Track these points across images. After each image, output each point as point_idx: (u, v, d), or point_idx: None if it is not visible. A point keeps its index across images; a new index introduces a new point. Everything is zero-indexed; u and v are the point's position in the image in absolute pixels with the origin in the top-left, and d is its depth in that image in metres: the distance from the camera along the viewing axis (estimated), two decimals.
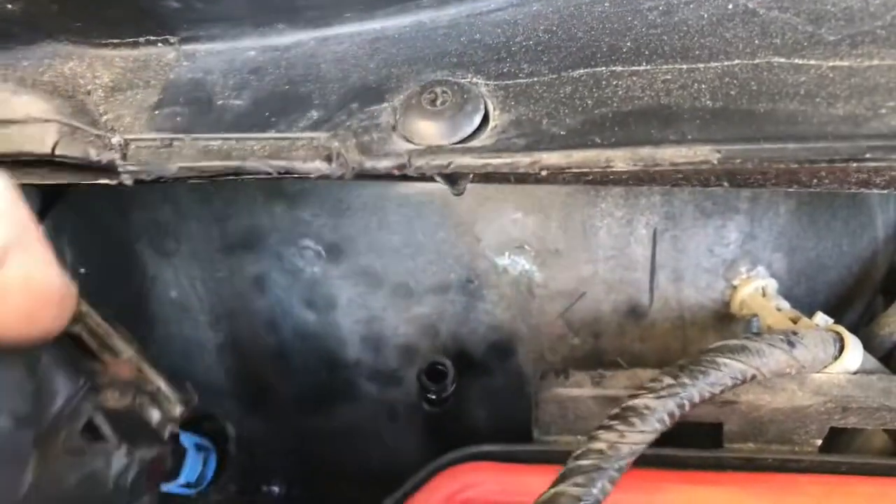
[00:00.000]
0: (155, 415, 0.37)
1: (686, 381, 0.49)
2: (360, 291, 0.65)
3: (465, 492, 0.60)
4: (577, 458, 0.49)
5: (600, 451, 0.48)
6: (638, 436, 0.49)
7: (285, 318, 0.66)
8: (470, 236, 0.61)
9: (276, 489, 0.69)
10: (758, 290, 0.61)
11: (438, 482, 0.61)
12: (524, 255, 0.61)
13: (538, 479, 0.59)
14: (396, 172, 0.40)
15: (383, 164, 0.40)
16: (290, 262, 0.64)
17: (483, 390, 0.68)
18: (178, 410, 0.38)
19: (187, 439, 0.60)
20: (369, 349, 0.68)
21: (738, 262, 0.61)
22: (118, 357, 0.35)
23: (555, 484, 0.48)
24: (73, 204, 0.61)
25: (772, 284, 0.61)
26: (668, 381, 0.49)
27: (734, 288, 0.62)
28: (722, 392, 0.50)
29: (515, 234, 0.61)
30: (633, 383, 0.59)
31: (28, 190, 0.54)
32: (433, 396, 0.63)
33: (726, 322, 0.63)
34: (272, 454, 0.71)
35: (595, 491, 0.48)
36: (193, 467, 0.59)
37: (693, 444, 0.59)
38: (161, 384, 0.37)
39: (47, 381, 0.31)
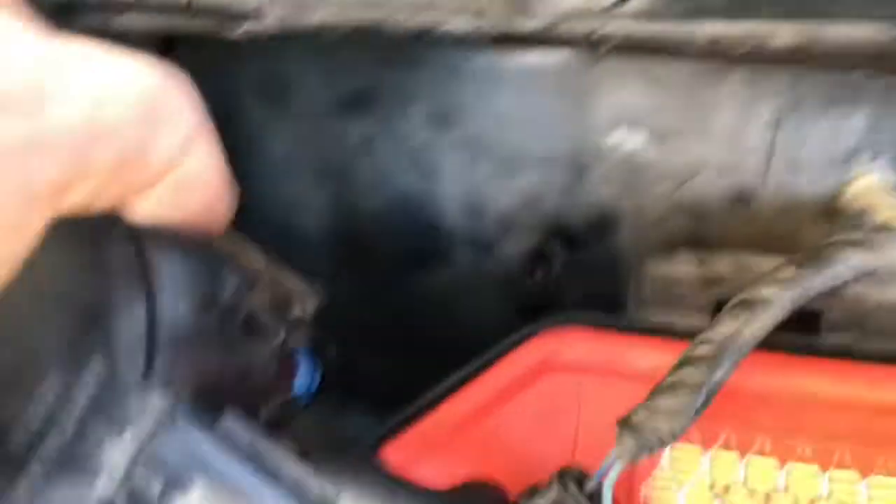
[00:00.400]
0: (293, 311, 0.38)
1: (809, 272, 0.48)
2: (464, 159, 0.65)
3: (559, 356, 0.61)
4: (700, 342, 0.50)
5: (723, 338, 0.49)
6: (759, 325, 0.49)
7: (388, 181, 0.67)
8: (583, 110, 0.60)
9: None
10: (876, 183, 0.60)
11: (532, 345, 0.62)
12: (637, 133, 0.60)
13: (634, 350, 0.60)
14: (541, 35, 0.39)
15: (530, 25, 0.39)
16: (398, 125, 0.64)
17: (580, 267, 0.68)
18: (311, 305, 0.38)
19: (302, 355, 0.61)
20: (469, 218, 0.68)
21: (860, 153, 0.59)
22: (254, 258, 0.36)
23: (677, 367, 0.49)
24: (182, 53, 0.61)
25: (893, 179, 0.59)
26: (790, 271, 0.48)
27: (851, 179, 0.60)
28: (842, 284, 0.50)
29: (630, 111, 0.59)
30: (738, 267, 0.59)
31: (147, 39, 0.54)
32: (538, 278, 0.63)
33: (837, 214, 0.62)
34: (366, 323, 0.73)
35: (717, 376, 0.49)
36: (303, 381, 0.61)
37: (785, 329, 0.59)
38: (294, 284, 0.38)
39: (218, 271, 0.32)
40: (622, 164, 0.62)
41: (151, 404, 0.26)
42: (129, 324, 0.27)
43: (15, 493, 0.25)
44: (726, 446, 0.60)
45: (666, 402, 0.49)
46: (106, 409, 0.26)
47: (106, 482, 0.26)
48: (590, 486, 0.53)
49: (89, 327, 0.27)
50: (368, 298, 0.74)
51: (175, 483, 0.27)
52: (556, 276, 0.69)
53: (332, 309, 0.69)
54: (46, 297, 0.27)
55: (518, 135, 0.63)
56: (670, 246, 0.62)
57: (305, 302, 0.38)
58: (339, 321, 0.69)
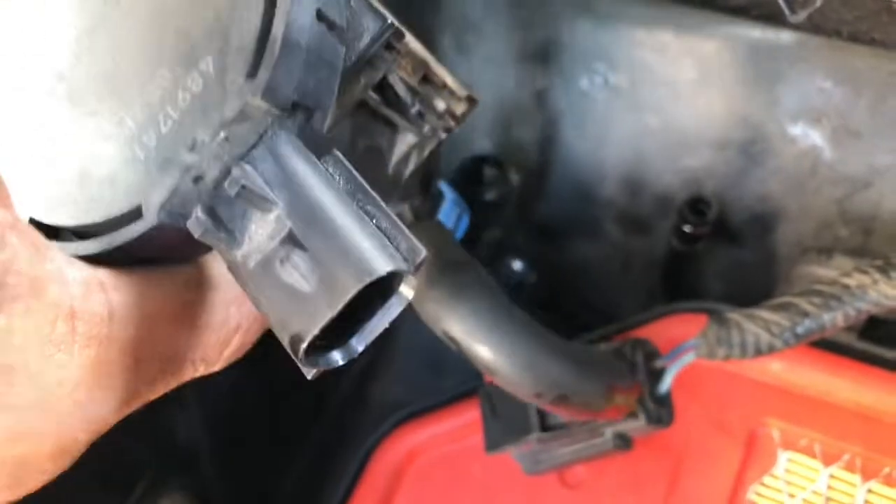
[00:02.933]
0: (440, 104, 0.34)
1: None
2: (635, 129, 0.65)
3: (682, 340, 0.60)
4: (824, 283, 0.48)
5: (847, 287, 0.47)
6: (891, 290, 0.47)
7: (555, 139, 0.68)
8: (768, 96, 0.59)
9: (518, 266, 0.70)
10: None
11: (665, 324, 0.62)
12: (819, 129, 0.59)
13: None
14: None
15: None
16: (576, 83, 0.65)
17: (729, 260, 0.67)
18: (462, 107, 0.34)
19: (448, 191, 0.60)
20: (626, 191, 0.68)
21: None
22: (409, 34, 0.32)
23: (795, 294, 0.48)
24: None
25: None
26: None
27: None
28: None
29: (817, 104, 0.58)
30: None
31: None
32: (688, 230, 0.62)
33: None
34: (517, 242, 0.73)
35: (826, 317, 0.47)
36: (447, 219, 0.59)
37: None
38: (447, 75, 0.34)
39: (358, 16, 0.30)
40: (797, 159, 0.60)
41: (251, 108, 0.25)
42: (244, 27, 0.26)
43: None
44: (849, 468, 0.58)
45: (767, 314, 0.48)
46: (206, 110, 0.26)
47: (189, 175, 0.25)
48: (657, 363, 0.53)
49: (207, 29, 0.26)
50: (512, 253, 0.74)
51: (257, 195, 0.25)
52: (700, 268, 0.68)
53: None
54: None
55: (694, 113, 0.62)
56: (829, 255, 0.60)
57: (456, 101, 0.34)
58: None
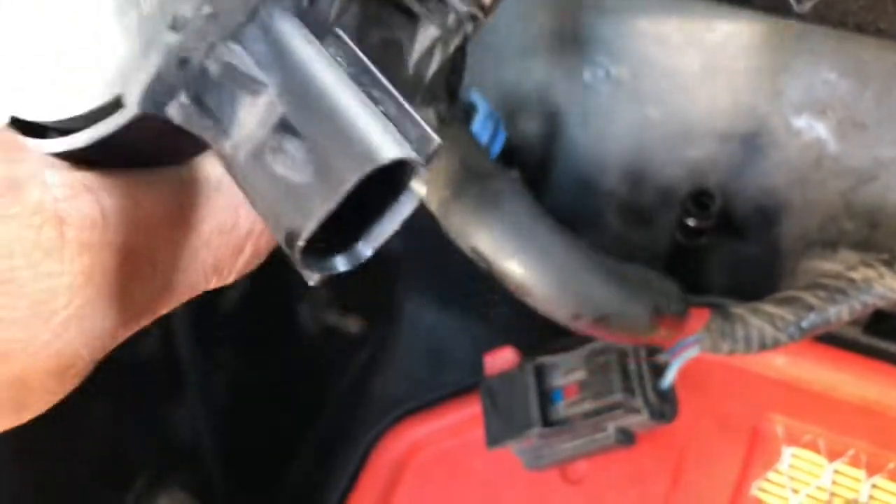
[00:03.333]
0: None
1: None
2: (637, 121, 0.64)
3: (693, 332, 0.59)
4: (828, 277, 0.47)
5: (852, 280, 0.47)
6: (893, 283, 0.46)
7: (557, 131, 0.67)
8: (772, 87, 0.58)
9: None
10: None
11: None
12: (824, 121, 0.58)
13: None
14: None
15: None
16: (579, 75, 0.64)
17: (731, 254, 0.66)
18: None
19: (482, 101, 0.52)
20: (629, 182, 0.67)
21: None
22: None
23: (800, 287, 0.47)
24: None
25: None
26: None
27: None
28: None
29: (822, 96, 0.57)
30: None
31: None
32: (691, 224, 0.61)
33: None
34: None
35: (831, 311, 0.47)
36: (480, 133, 0.51)
37: None
38: None
39: None
40: (801, 151, 0.59)
41: None
42: None
43: None
44: (854, 463, 0.57)
45: (772, 308, 0.48)
46: None
47: (172, 57, 0.23)
48: (661, 357, 0.52)
49: None
50: None
51: (243, 82, 0.23)
52: (703, 263, 0.67)
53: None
54: None
55: (697, 104, 0.61)
56: (833, 248, 0.59)
57: None
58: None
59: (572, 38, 0.63)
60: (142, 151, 0.26)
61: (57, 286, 0.24)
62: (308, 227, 0.22)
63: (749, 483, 0.58)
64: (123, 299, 0.26)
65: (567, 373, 0.55)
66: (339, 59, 0.23)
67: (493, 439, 0.57)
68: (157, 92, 0.23)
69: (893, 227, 0.60)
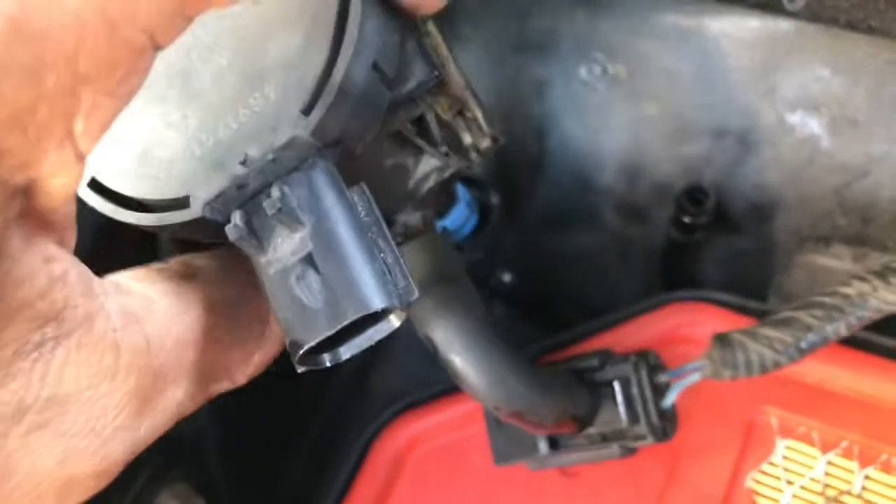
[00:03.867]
0: (466, 138, 0.38)
1: None
2: (633, 117, 0.65)
3: (689, 328, 0.60)
4: (822, 295, 0.48)
5: (847, 296, 0.47)
6: (892, 296, 0.47)
7: (554, 128, 0.68)
8: (765, 85, 0.59)
9: (507, 277, 0.72)
10: None
11: (665, 312, 0.62)
12: (817, 118, 0.59)
13: None
14: None
15: None
16: (575, 72, 0.65)
17: (726, 250, 0.67)
18: (485, 143, 0.38)
19: (463, 192, 0.63)
20: (625, 179, 0.68)
21: None
22: (453, 75, 0.37)
23: (795, 307, 0.48)
24: None
25: None
26: None
27: None
28: None
29: (815, 93, 0.58)
30: None
31: None
32: (686, 220, 0.62)
33: None
34: (507, 250, 0.74)
35: (829, 329, 0.48)
36: (457, 218, 0.63)
37: None
38: (479, 114, 0.38)
39: (409, 63, 0.34)
40: (795, 148, 0.60)
41: (300, 140, 0.29)
42: (309, 67, 0.29)
43: None
44: (847, 455, 0.58)
45: (770, 331, 0.49)
46: (261, 130, 0.29)
47: (235, 182, 0.29)
48: (660, 377, 0.53)
49: (279, 59, 0.30)
50: (510, 250, 0.75)
51: (288, 216, 0.29)
52: (698, 257, 0.68)
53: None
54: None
55: (692, 101, 0.62)
56: (827, 243, 0.60)
57: (481, 137, 0.37)
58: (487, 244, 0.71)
59: (568, 36, 0.64)
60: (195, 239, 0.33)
61: (109, 405, 0.29)
62: (310, 343, 0.29)
63: (744, 475, 0.59)
64: (158, 411, 0.31)
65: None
66: (359, 207, 0.30)
67: (501, 458, 0.58)
68: (217, 204, 0.30)
69: (886, 223, 0.61)
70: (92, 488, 0.31)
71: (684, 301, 0.64)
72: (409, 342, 0.79)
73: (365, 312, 0.28)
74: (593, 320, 0.60)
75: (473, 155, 0.38)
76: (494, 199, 0.65)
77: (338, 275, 0.29)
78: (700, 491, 0.59)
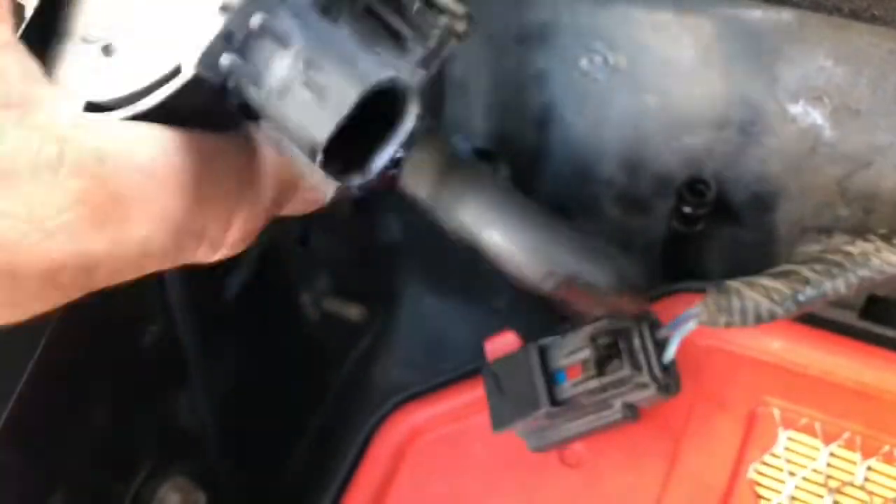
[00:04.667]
0: (442, 21, 0.37)
1: None
2: (634, 108, 0.64)
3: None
4: (826, 251, 0.48)
5: (849, 254, 0.47)
6: (893, 256, 0.47)
7: (555, 119, 0.68)
8: (768, 75, 0.59)
9: None
10: None
11: (666, 303, 0.62)
12: (819, 108, 0.58)
13: (763, 329, 0.58)
14: None
15: None
16: (576, 63, 0.64)
17: (729, 240, 0.67)
18: (462, 26, 0.37)
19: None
20: (625, 170, 0.68)
21: None
22: None
23: (796, 260, 0.48)
24: None
25: None
26: None
27: None
28: None
29: (818, 83, 0.57)
30: None
31: None
32: (688, 211, 0.62)
33: None
34: None
35: (827, 284, 0.47)
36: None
37: None
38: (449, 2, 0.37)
39: None
40: (797, 138, 0.60)
41: None
42: None
43: None
44: (849, 446, 0.58)
45: (768, 281, 0.48)
46: None
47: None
48: (661, 332, 0.53)
49: None
50: None
51: (278, 34, 0.30)
52: (701, 247, 0.68)
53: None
54: None
55: (694, 92, 0.62)
56: (829, 234, 0.59)
57: (457, 20, 0.37)
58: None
59: (570, 26, 0.63)
60: (190, 120, 0.33)
61: (49, 199, 0.29)
62: (324, 136, 0.30)
63: (746, 466, 0.59)
64: (115, 234, 0.30)
65: (570, 353, 0.56)
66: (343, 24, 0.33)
67: (500, 422, 0.57)
68: (209, 58, 0.31)
69: (888, 213, 0.60)
70: (41, 296, 0.30)
71: (685, 292, 0.64)
72: (410, 333, 0.80)
73: (368, 86, 0.30)
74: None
75: (454, 40, 0.38)
76: (504, 169, 0.63)
77: (336, 69, 0.30)
78: (702, 482, 0.59)
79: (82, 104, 0.33)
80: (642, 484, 0.60)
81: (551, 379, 0.56)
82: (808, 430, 0.59)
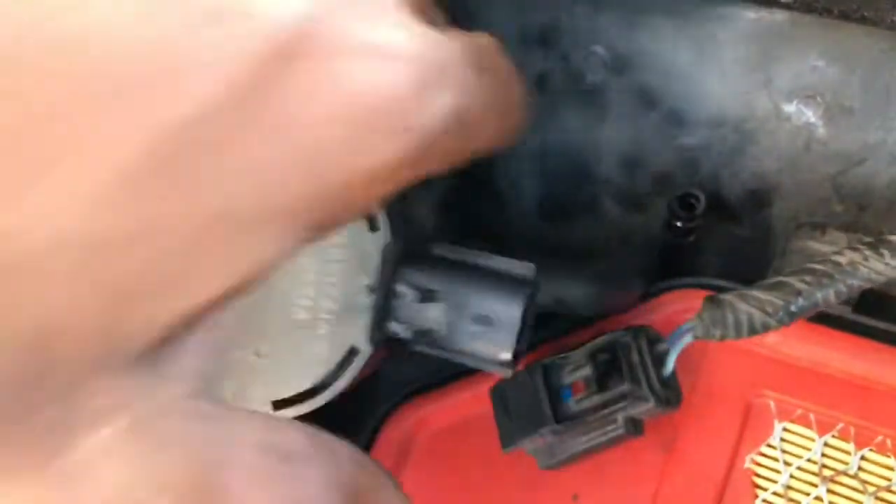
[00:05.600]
0: None
1: None
2: (632, 109, 0.66)
3: (687, 315, 0.61)
4: (816, 262, 0.49)
5: (838, 264, 0.49)
6: (881, 266, 0.48)
7: (554, 120, 0.69)
8: (762, 74, 0.60)
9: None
10: None
11: (664, 300, 0.63)
12: (813, 107, 0.60)
13: None
14: None
15: None
16: (575, 65, 0.66)
17: (726, 237, 0.68)
18: None
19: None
20: (624, 169, 0.69)
21: None
22: None
23: (787, 273, 0.49)
24: None
25: None
26: None
27: None
28: None
29: (811, 82, 0.59)
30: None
31: None
32: (679, 224, 0.64)
33: None
34: (510, 239, 0.75)
35: (818, 294, 0.49)
36: None
37: None
38: None
39: None
40: (791, 136, 0.62)
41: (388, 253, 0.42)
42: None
43: None
44: (843, 437, 0.59)
45: (760, 294, 0.50)
46: (355, 274, 0.42)
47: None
48: (660, 347, 0.54)
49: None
50: (511, 240, 0.76)
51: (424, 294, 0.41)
52: (699, 243, 0.69)
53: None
54: None
55: (690, 92, 0.63)
56: (822, 230, 0.61)
57: None
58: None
59: (568, 29, 0.65)
60: None
61: None
62: (508, 356, 0.47)
63: (743, 456, 0.60)
64: None
65: (573, 371, 0.57)
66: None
67: (508, 441, 0.59)
68: (374, 333, 0.41)
69: (882, 209, 0.62)
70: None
71: (683, 288, 0.66)
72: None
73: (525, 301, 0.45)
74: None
75: None
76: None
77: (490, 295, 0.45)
78: (700, 471, 0.60)
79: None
80: (641, 473, 0.61)
81: (556, 397, 0.58)
82: (804, 422, 0.60)
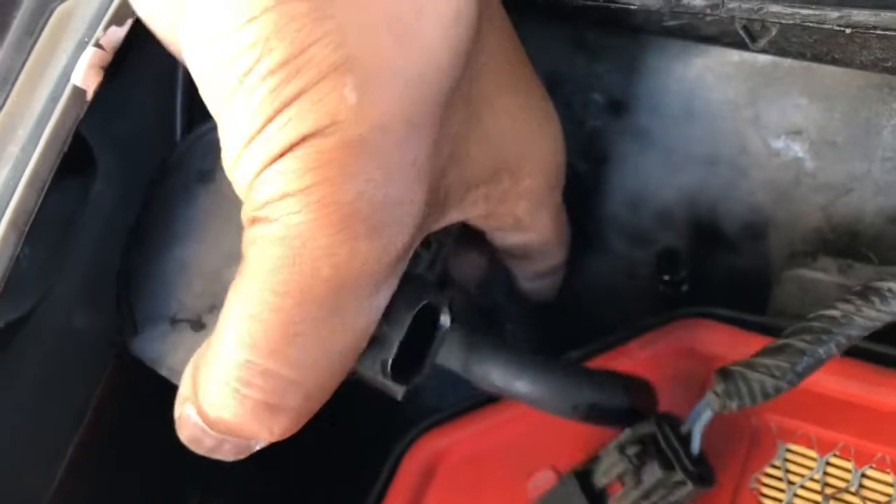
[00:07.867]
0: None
1: None
2: (632, 149, 0.70)
3: (696, 344, 0.64)
4: (810, 320, 0.52)
5: (833, 318, 0.51)
6: (874, 313, 0.51)
7: None
8: (749, 113, 0.64)
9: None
10: None
11: (672, 328, 0.66)
12: (799, 142, 0.64)
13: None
14: (708, 13, 0.45)
15: (697, 3, 0.44)
16: (576, 111, 0.70)
17: (726, 269, 0.72)
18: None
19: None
20: (627, 207, 0.73)
21: None
22: None
23: (787, 334, 0.52)
24: None
25: None
26: None
27: None
28: None
29: (796, 120, 0.63)
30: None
31: None
32: (667, 278, 0.67)
33: None
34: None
35: (821, 351, 0.52)
36: None
37: None
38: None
39: None
40: (781, 170, 0.65)
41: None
42: None
43: None
44: (844, 455, 0.62)
45: (767, 360, 0.52)
46: None
47: None
48: (683, 428, 0.56)
49: None
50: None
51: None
52: (700, 278, 0.72)
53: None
54: None
55: (684, 132, 0.67)
56: (814, 257, 0.64)
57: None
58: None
59: (569, 78, 0.69)
60: None
61: None
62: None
63: (748, 478, 0.63)
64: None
65: (607, 470, 0.58)
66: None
67: None
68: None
69: (872, 236, 0.65)
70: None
71: (688, 317, 0.69)
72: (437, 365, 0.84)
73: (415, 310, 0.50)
74: (596, 340, 0.65)
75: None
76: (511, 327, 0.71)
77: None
78: (708, 492, 0.62)
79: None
80: None
81: (596, 501, 0.58)
82: (805, 442, 0.62)
